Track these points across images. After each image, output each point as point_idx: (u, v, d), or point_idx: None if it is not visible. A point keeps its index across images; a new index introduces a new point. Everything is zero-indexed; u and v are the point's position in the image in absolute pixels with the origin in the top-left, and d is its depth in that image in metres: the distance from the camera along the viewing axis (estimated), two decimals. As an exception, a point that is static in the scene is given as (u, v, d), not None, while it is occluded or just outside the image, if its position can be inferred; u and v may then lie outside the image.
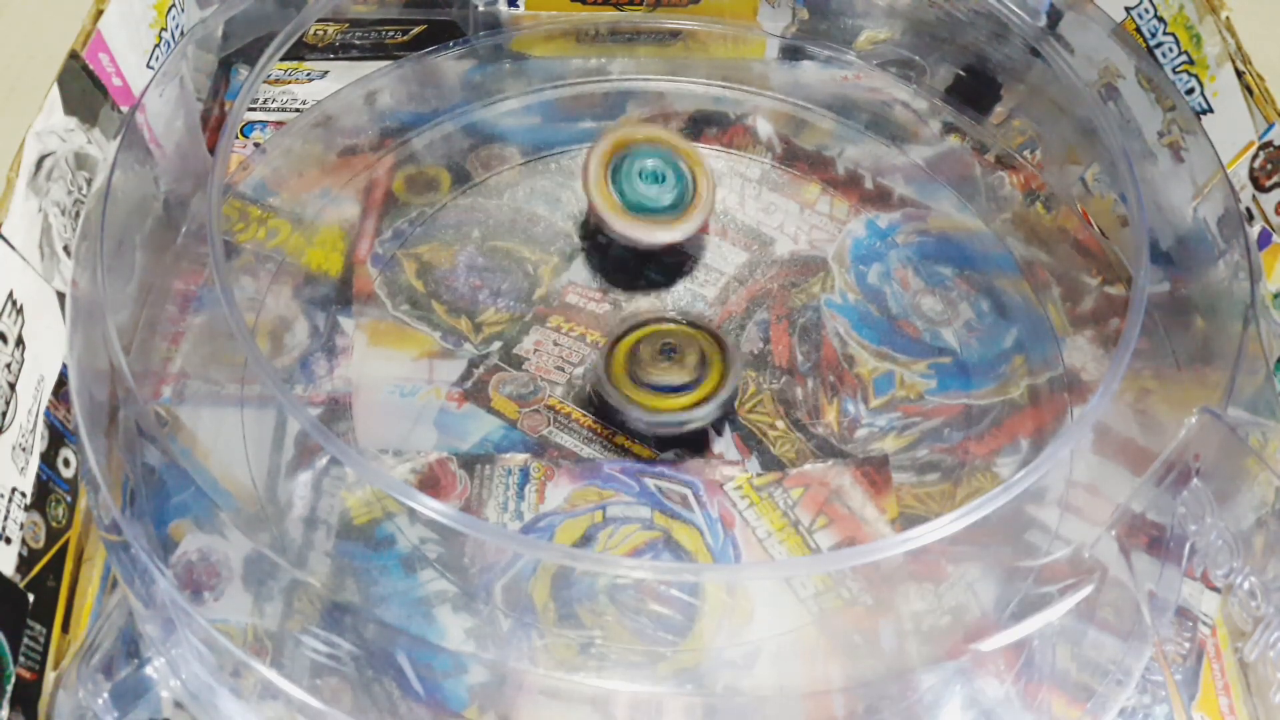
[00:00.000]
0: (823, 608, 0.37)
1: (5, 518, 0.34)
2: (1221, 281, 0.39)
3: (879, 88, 0.51)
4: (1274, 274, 0.40)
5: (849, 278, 0.46)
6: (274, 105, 0.51)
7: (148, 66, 0.45)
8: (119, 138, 0.38)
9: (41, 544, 0.36)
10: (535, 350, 0.43)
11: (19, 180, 0.36)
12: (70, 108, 0.39)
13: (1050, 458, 0.32)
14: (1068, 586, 0.33)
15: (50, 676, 0.35)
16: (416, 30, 0.52)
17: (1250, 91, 0.42)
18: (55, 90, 0.39)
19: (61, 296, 0.39)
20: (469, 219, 0.47)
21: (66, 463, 0.38)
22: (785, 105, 0.51)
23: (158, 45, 0.46)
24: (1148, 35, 0.47)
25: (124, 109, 0.43)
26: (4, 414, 0.35)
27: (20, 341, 0.36)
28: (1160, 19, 0.46)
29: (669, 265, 0.46)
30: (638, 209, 0.44)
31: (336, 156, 0.48)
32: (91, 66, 0.41)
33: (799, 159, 0.50)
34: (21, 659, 0.34)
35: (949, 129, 0.50)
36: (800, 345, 0.44)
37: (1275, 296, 0.40)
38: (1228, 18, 0.43)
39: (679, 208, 0.44)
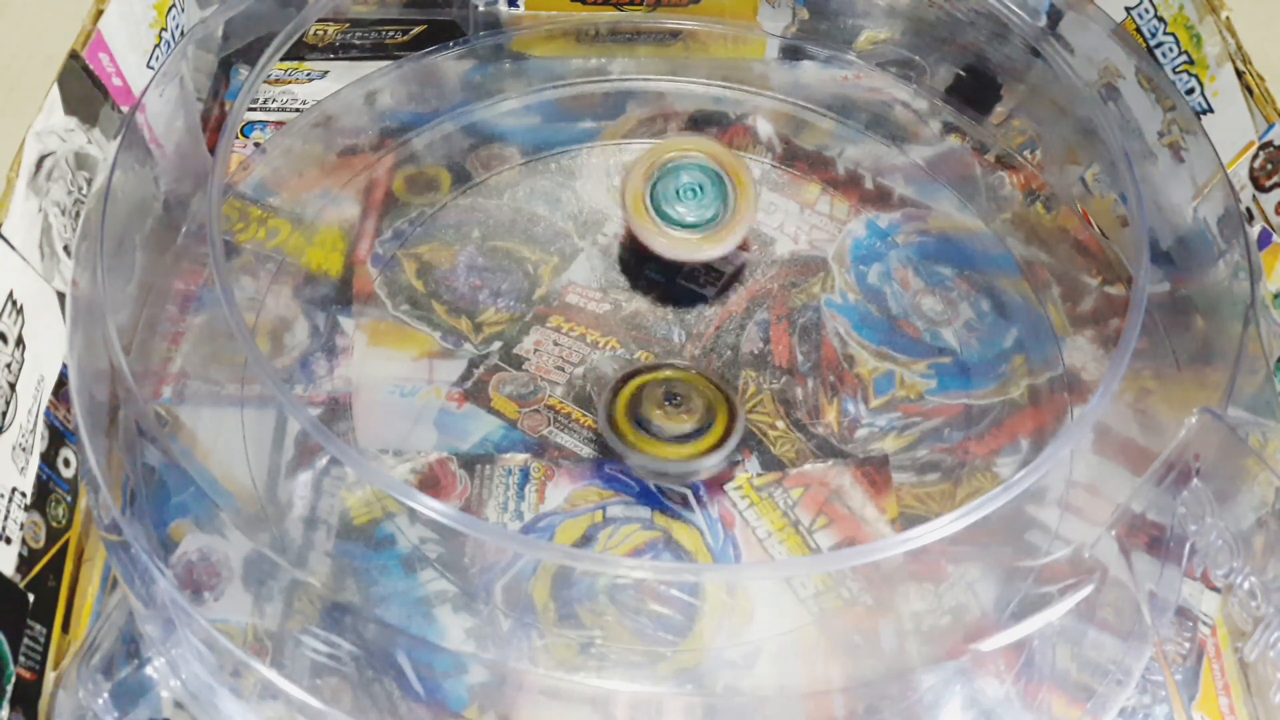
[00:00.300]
0: (823, 608, 0.37)
1: (5, 518, 0.34)
2: (1221, 281, 0.39)
3: (879, 88, 0.51)
4: (1274, 274, 0.40)
5: (849, 278, 0.46)
6: (274, 105, 0.51)
7: (148, 66, 0.45)
8: (119, 138, 0.38)
9: (41, 544, 0.36)
10: (535, 350, 0.43)
11: (19, 180, 0.36)
12: (70, 108, 0.39)
13: (1050, 458, 0.32)
14: (1068, 586, 0.33)
15: (50, 676, 0.35)
16: (416, 30, 0.52)
17: (1250, 91, 0.42)
18: (55, 90, 0.39)
19: (61, 296, 0.39)
20: (469, 219, 0.47)
21: (66, 463, 0.38)
22: (785, 105, 0.51)
23: (158, 45, 0.46)
24: (1148, 35, 0.47)
25: (124, 109, 0.43)
26: (4, 414, 0.35)
27: (20, 341, 0.36)
28: (1160, 19, 0.46)
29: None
30: (676, 225, 0.43)
31: (336, 156, 0.48)
32: (91, 66, 0.41)
33: (799, 159, 0.50)
34: (21, 659, 0.34)
35: (949, 129, 0.50)
36: (800, 345, 0.44)
37: (1275, 296, 0.40)
38: (1228, 18, 0.43)
39: (717, 222, 0.43)
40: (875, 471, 0.41)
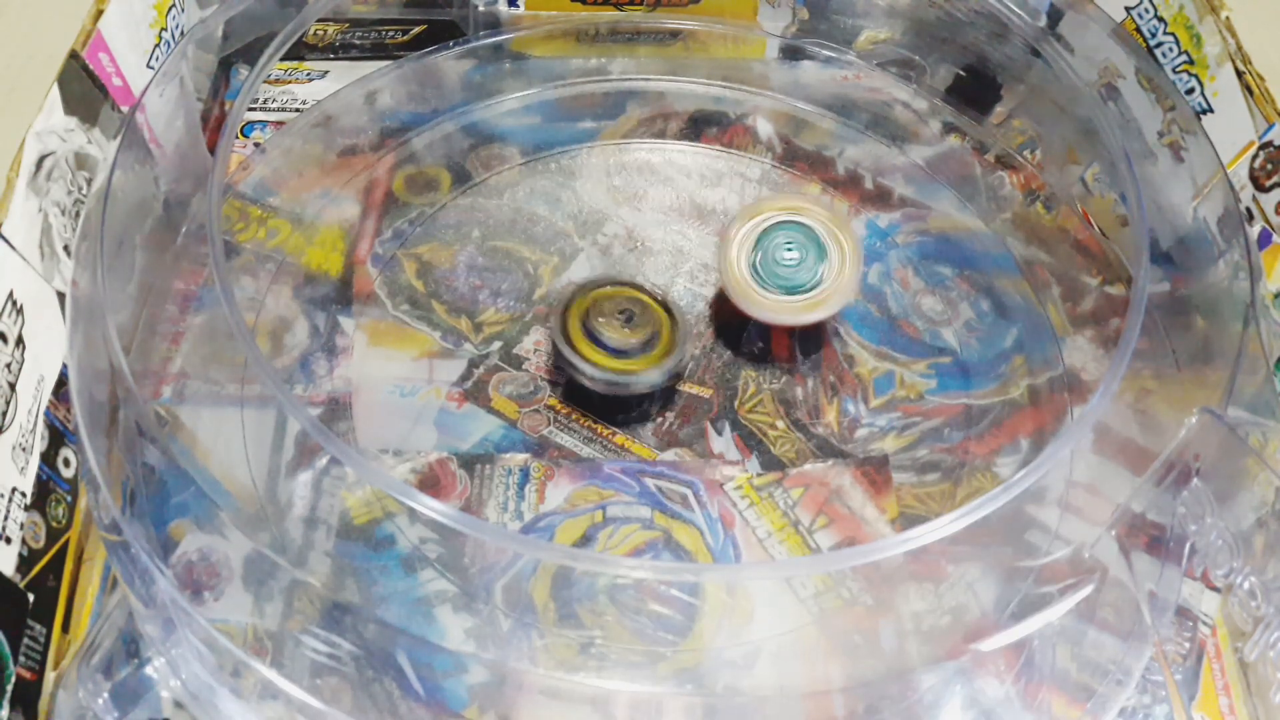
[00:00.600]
0: (823, 608, 0.37)
1: (5, 518, 0.34)
2: (1221, 281, 0.39)
3: (879, 88, 0.51)
4: (1274, 274, 0.40)
5: (849, 278, 0.46)
6: (274, 105, 0.51)
7: (148, 66, 0.45)
8: (119, 138, 0.38)
9: (41, 544, 0.36)
10: (535, 350, 0.43)
11: (19, 180, 0.36)
12: (70, 108, 0.39)
13: (1050, 458, 0.32)
14: (1068, 586, 0.33)
15: (50, 676, 0.35)
16: (416, 30, 0.52)
17: (1250, 91, 0.42)
18: (55, 90, 0.38)
19: (61, 296, 0.39)
20: (469, 219, 0.47)
21: (66, 463, 0.38)
22: (785, 105, 0.51)
23: (158, 45, 0.46)
24: (1148, 35, 0.47)
25: (124, 109, 0.43)
26: (4, 414, 0.35)
27: (20, 341, 0.36)
28: (1160, 19, 0.46)
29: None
30: (780, 289, 0.42)
31: (336, 156, 0.48)
32: (91, 66, 0.41)
33: (799, 159, 0.50)
34: (21, 659, 0.34)
35: (949, 129, 0.50)
36: (800, 345, 0.44)
37: (1275, 296, 0.40)
38: (1228, 18, 0.43)
39: (821, 282, 0.42)
40: (875, 471, 0.41)
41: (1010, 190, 0.48)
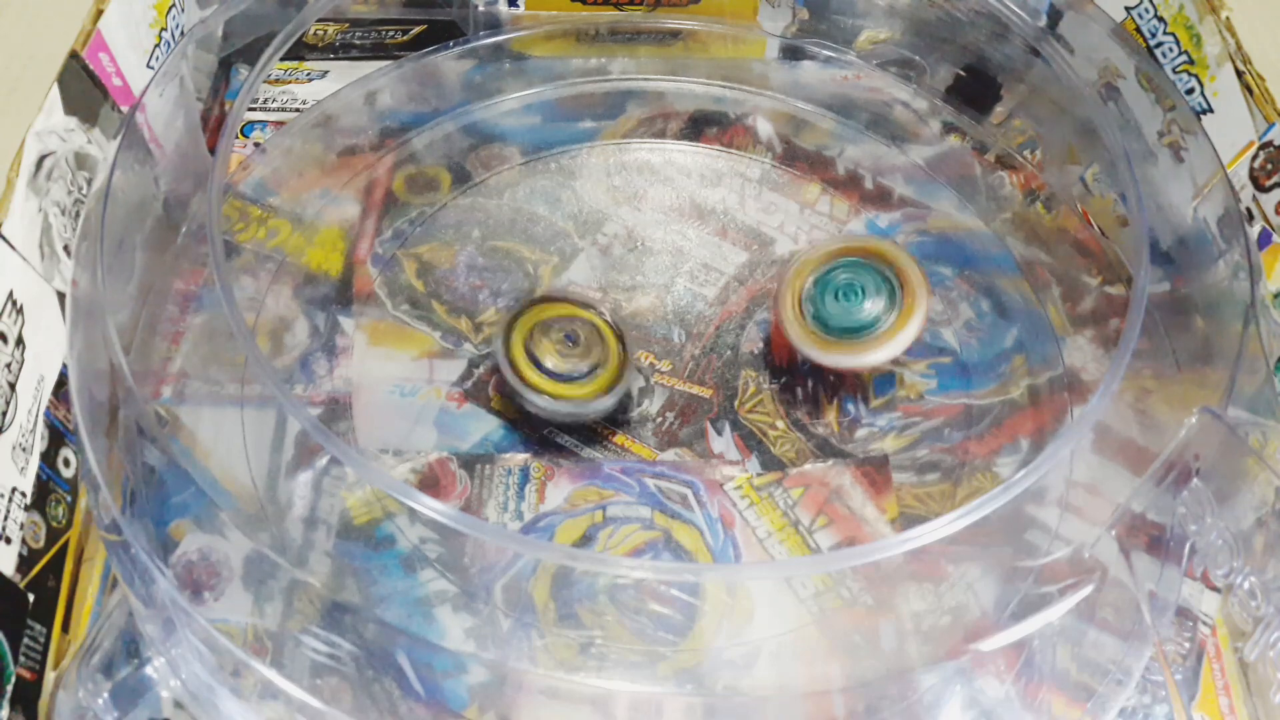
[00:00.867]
0: (823, 608, 0.37)
1: (5, 518, 0.34)
2: (1221, 281, 0.39)
3: (879, 88, 0.51)
4: (1274, 274, 0.40)
5: (849, 278, 0.46)
6: (274, 105, 0.51)
7: (148, 66, 0.45)
8: (119, 138, 0.38)
9: (41, 544, 0.36)
10: (535, 350, 0.43)
11: (19, 180, 0.36)
12: (70, 108, 0.39)
13: (1050, 458, 0.32)
14: (1068, 586, 0.33)
15: (50, 676, 0.35)
16: (416, 30, 0.52)
17: (1250, 91, 0.42)
18: (55, 90, 0.39)
19: (61, 296, 0.39)
20: (469, 219, 0.47)
21: (66, 463, 0.38)
22: (785, 105, 0.51)
23: (158, 45, 0.46)
24: (1148, 35, 0.47)
25: (124, 109, 0.43)
26: (4, 414, 0.35)
27: (20, 341, 0.36)
28: (1160, 19, 0.46)
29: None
30: (841, 332, 0.40)
31: (336, 156, 0.48)
32: (91, 66, 0.41)
33: (799, 159, 0.50)
34: (21, 659, 0.34)
35: (949, 129, 0.50)
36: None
37: (1275, 296, 0.40)
38: (1228, 18, 0.43)
39: (888, 317, 0.40)
40: (875, 471, 0.41)
41: (1010, 190, 0.48)
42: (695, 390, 0.43)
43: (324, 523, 0.38)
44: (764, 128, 0.51)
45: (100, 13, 0.41)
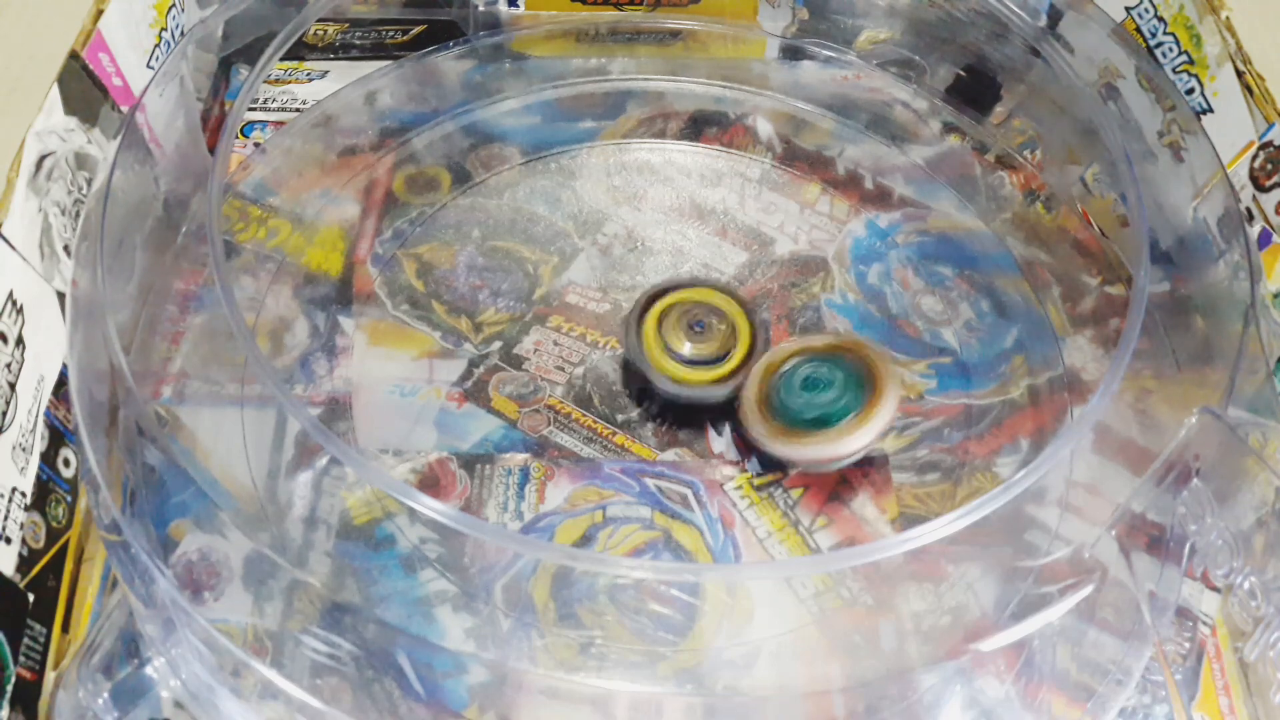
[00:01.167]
0: (823, 608, 0.37)
1: (5, 518, 0.34)
2: (1221, 281, 0.39)
3: (879, 88, 0.51)
4: (1274, 274, 0.40)
5: (849, 278, 0.46)
6: (274, 105, 0.51)
7: (148, 66, 0.45)
8: (119, 138, 0.38)
9: (41, 544, 0.36)
10: (535, 350, 0.43)
11: (19, 180, 0.36)
12: (70, 108, 0.39)
13: (1050, 458, 0.32)
14: (1068, 586, 0.33)
15: (50, 676, 0.35)
16: (416, 30, 0.52)
17: (1250, 91, 0.42)
18: (55, 90, 0.38)
19: (61, 296, 0.39)
20: (469, 219, 0.47)
21: (66, 463, 0.38)
22: (785, 105, 0.51)
23: (158, 45, 0.46)
24: (1148, 35, 0.47)
25: (124, 109, 0.43)
26: (4, 414, 0.35)
27: (20, 341, 0.36)
28: (1160, 19, 0.46)
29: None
30: (807, 425, 0.38)
31: (336, 156, 0.48)
32: (91, 66, 0.41)
33: (799, 159, 0.50)
34: (21, 659, 0.34)
35: (949, 129, 0.50)
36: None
37: (1275, 296, 0.40)
38: (1228, 18, 0.43)
39: (856, 407, 0.38)
40: (875, 471, 0.41)
41: (1010, 190, 0.49)
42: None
43: (324, 523, 0.38)
44: (764, 128, 0.51)
45: (100, 13, 0.41)
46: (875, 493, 0.40)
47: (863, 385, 0.39)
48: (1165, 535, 0.33)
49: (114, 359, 0.34)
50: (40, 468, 0.37)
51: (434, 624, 0.36)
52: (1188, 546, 0.33)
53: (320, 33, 0.52)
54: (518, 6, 0.51)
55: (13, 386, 0.35)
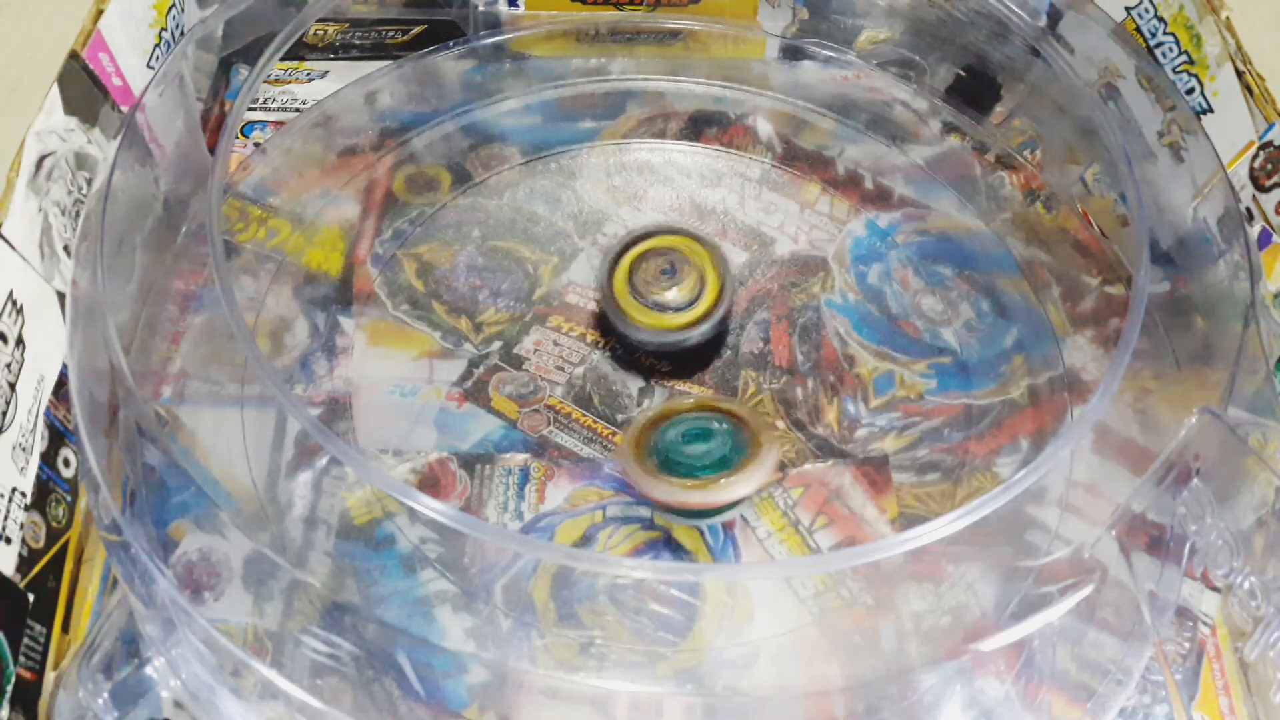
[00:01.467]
0: (823, 608, 0.37)
1: (5, 518, 0.34)
2: (1221, 281, 0.39)
3: (879, 88, 0.51)
4: (1274, 274, 0.40)
5: (849, 278, 0.46)
6: (274, 105, 0.51)
7: (148, 66, 0.45)
8: (119, 138, 0.38)
9: (41, 544, 0.36)
10: (535, 350, 0.43)
11: (19, 180, 0.36)
12: (70, 108, 0.39)
13: (1050, 458, 0.32)
14: (1068, 586, 0.33)
15: (50, 676, 0.35)
16: (416, 30, 0.52)
17: (1250, 91, 0.42)
18: (55, 90, 0.39)
19: (61, 296, 0.39)
20: (469, 219, 0.47)
21: (66, 463, 0.38)
22: (785, 105, 0.51)
23: (158, 45, 0.46)
24: (1148, 35, 0.47)
25: (124, 109, 0.43)
26: (4, 414, 0.35)
27: (20, 341, 0.36)
28: (1160, 19, 0.46)
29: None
30: (699, 471, 0.38)
31: (336, 156, 0.48)
32: (91, 66, 0.41)
33: (799, 159, 0.50)
34: (21, 659, 0.34)
35: (949, 129, 0.50)
36: (800, 345, 0.44)
37: (1275, 296, 0.40)
38: (1228, 18, 0.43)
39: (734, 459, 0.38)
40: (875, 471, 0.41)
41: (1010, 190, 0.48)
42: (695, 390, 0.43)
43: (324, 523, 0.38)
44: (764, 128, 0.51)
45: (100, 13, 0.41)
46: (875, 493, 0.40)
47: (736, 433, 0.40)
48: (1165, 535, 0.33)
49: (114, 359, 0.34)
50: (40, 468, 0.37)
51: (434, 624, 0.36)
52: (1188, 546, 0.33)
53: (320, 33, 0.52)
54: (518, 6, 0.51)
55: (13, 386, 0.35)
